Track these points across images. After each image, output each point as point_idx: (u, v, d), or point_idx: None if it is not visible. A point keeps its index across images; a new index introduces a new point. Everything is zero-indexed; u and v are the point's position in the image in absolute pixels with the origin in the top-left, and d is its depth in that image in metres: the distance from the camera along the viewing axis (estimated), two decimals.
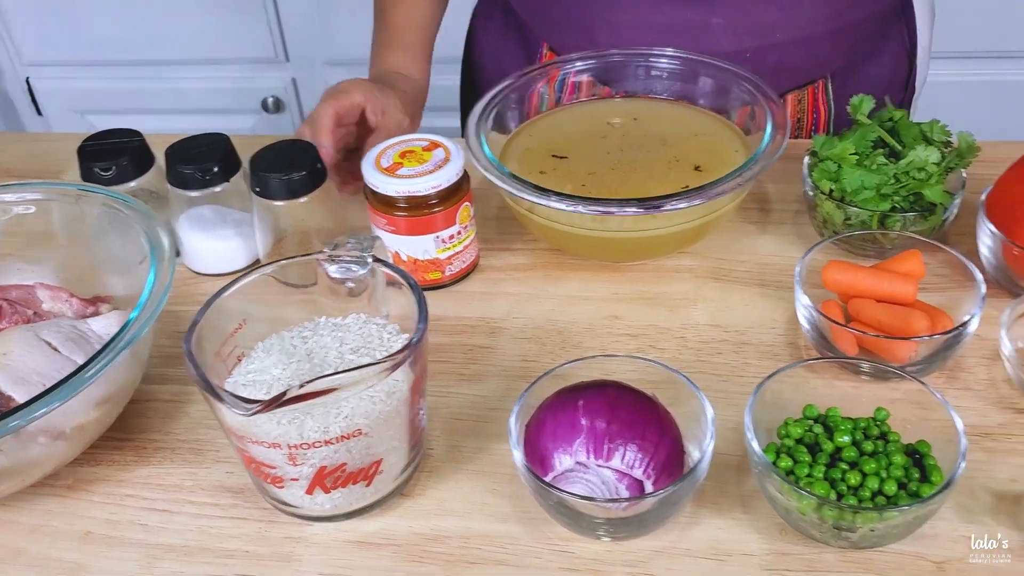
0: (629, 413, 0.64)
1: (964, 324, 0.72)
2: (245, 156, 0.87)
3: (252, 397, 0.62)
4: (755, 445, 0.63)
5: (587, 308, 0.86)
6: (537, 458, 0.65)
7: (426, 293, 0.87)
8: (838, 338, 0.75)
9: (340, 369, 0.65)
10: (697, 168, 0.88)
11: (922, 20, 1.11)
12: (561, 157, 0.92)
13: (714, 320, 0.84)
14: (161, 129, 1.08)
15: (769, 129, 0.86)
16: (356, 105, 0.93)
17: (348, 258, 0.69)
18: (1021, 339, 0.75)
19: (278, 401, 0.57)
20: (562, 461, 0.64)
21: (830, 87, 1.07)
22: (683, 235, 0.85)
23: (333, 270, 0.69)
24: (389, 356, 0.61)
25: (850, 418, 0.68)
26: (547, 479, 0.64)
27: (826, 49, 1.02)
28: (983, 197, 0.82)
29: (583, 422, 0.64)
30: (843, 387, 0.72)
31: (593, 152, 0.92)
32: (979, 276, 0.75)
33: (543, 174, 0.89)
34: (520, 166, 0.91)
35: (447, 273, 0.88)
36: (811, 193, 0.86)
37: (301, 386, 0.58)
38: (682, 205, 0.79)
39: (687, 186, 0.84)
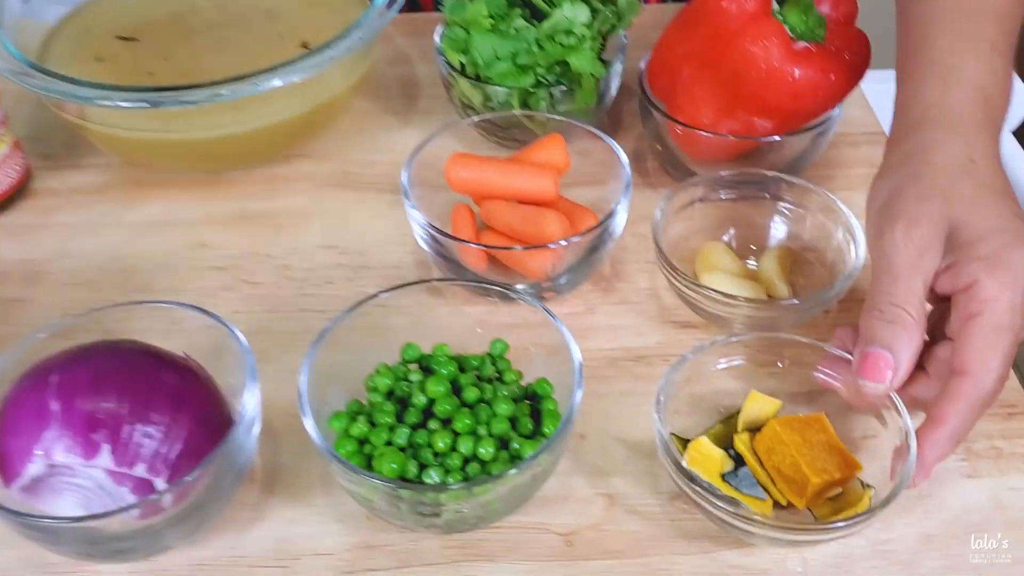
0: (122, 387, 0.45)
1: (603, 224, 0.56)
2: None
3: None
4: (307, 422, 0.46)
5: (169, 237, 0.66)
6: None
7: None
8: (462, 252, 0.59)
9: None
10: (304, 45, 0.69)
11: None
12: (128, 39, 0.70)
13: (330, 240, 0.66)
14: None
15: None
16: None
17: None
18: (683, 237, 0.61)
19: None
20: (32, 464, 0.44)
21: None
22: (285, 130, 0.67)
23: None
24: None
25: (460, 357, 0.52)
26: (13, 488, 0.45)
27: None
28: (643, 65, 0.67)
29: (54, 407, 0.44)
30: (473, 314, 0.56)
31: (173, 31, 0.71)
32: (624, 159, 0.60)
33: (100, 61, 0.68)
34: (73, 51, 0.69)
35: None
36: (444, 70, 0.68)
37: None
38: (251, 89, 0.60)
39: None
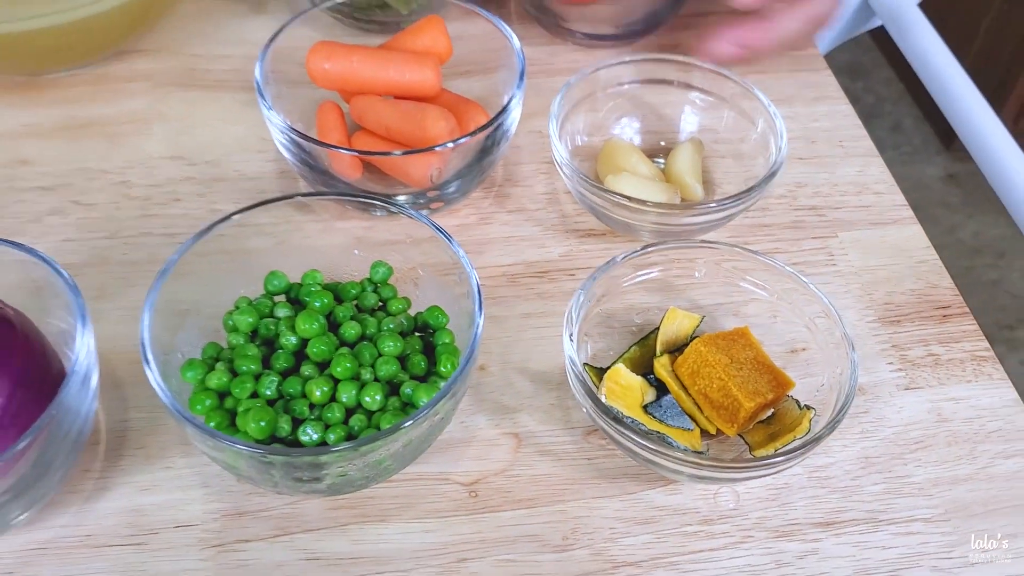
0: None
1: (495, 120, 0.49)
2: None
3: None
4: (151, 374, 0.38)
5: None
6: None
7: None
8: (332, 160, 0.50)
9: None
10: None
11: None
12: None
13: (176, 150, 0.56)
14: None
15: None
16: None
17: None
18: (582, 132, 0.54)
19: None
20: None
21: None
22: (114, 19, 0.56)
23: None
24: None
25: (335, 285, 0.45)
26: None
27: None
28: None
29: None
30: (349, 232, 0.48)
31: None
32: (515, 43, 0.52)
33: None
34: None
35: None
36: None
37: None
38: None
39: None
